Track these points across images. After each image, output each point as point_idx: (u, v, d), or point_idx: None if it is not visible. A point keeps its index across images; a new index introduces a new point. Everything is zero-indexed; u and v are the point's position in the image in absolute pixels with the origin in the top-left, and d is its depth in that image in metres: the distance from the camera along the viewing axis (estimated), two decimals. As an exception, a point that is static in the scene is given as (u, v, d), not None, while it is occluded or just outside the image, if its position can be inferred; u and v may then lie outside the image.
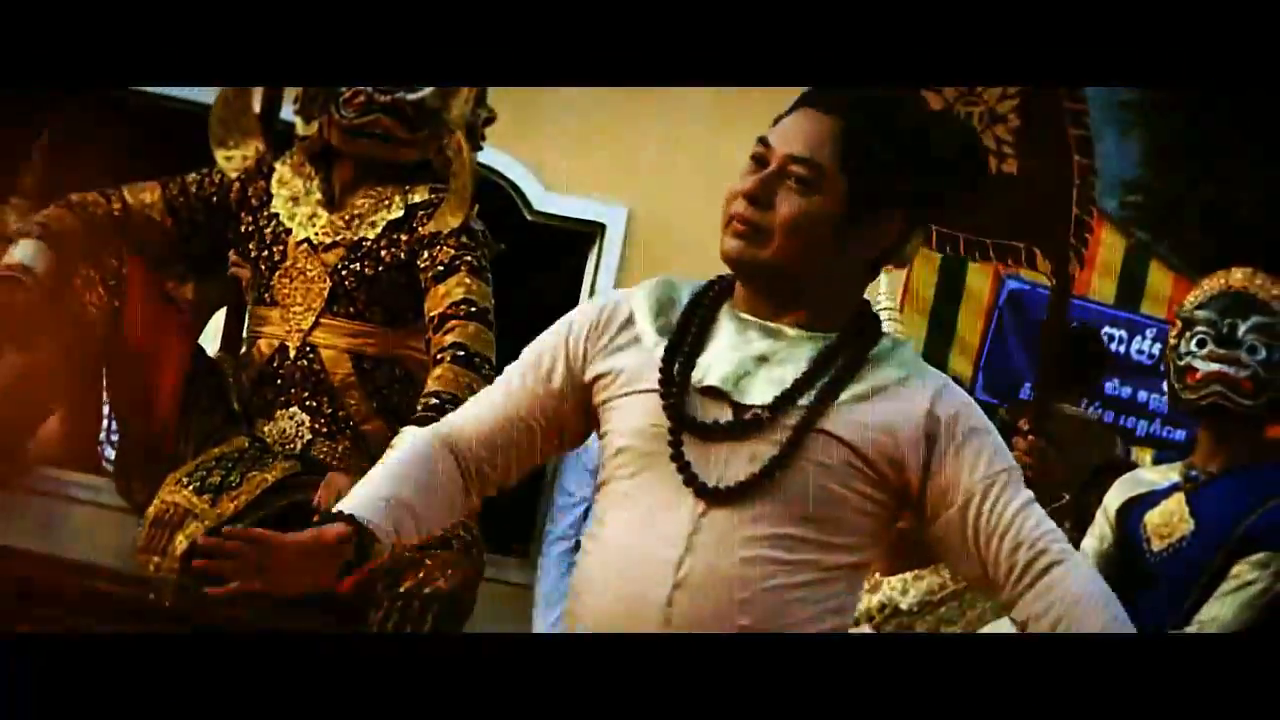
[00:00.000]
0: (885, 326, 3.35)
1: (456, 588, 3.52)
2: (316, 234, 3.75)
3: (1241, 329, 3.65)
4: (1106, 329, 5.78)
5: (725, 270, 2.52)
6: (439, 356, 3.56)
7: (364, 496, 2.47)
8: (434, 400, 3.49)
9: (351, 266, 3.73)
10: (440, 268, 3.66)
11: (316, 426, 3.72)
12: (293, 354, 3.74)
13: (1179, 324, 3.78)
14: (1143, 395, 5.73)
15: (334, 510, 2.43)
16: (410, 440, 2.57)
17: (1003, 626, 3.27)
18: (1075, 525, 3.73)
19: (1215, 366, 3.63)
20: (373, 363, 3.74)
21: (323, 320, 3.74)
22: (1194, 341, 3.68)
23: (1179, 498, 3.70)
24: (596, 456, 2.61)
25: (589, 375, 2.52)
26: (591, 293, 4.89)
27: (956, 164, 2.59)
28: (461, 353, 3.55)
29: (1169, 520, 3.68)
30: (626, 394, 2.48)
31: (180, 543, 3.57)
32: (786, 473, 2.41)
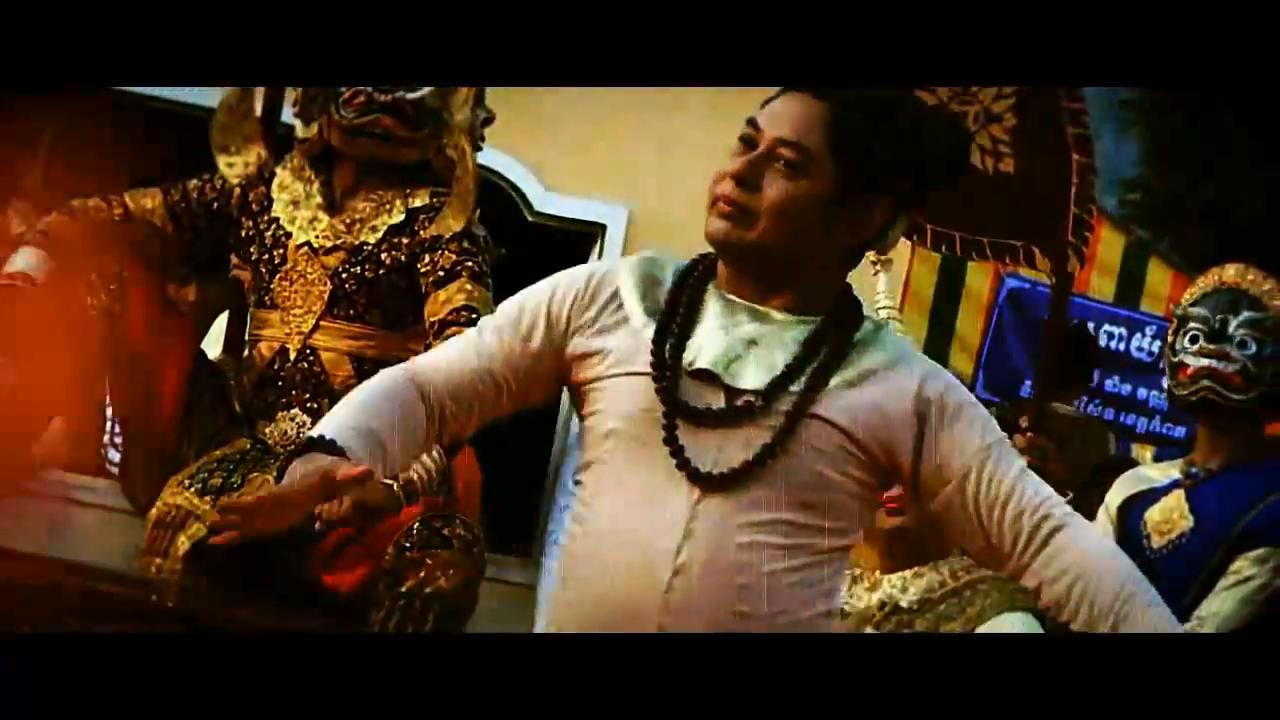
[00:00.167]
0: (890, 329, 3.37)
1: (457, 587, 3.52)
2: (317, 237, 3.76)
3: (1233, 324, 3.67)
4: (1106, 327, 5.80)
5: None
6: None
7: (339, 424, 2.43)
8: None
9: (352, 270, 3.73)
10: (441, 273, 3.67)
11: (317, 427, 3.73)
12: (293, 356, 3.74)
13: (1175, 321, 3.80)
14: (1142, 392, 5.73)
15: (312, 435, 2.39)
16: (382, 377, 2.53)
17: (1003, 625, 3.28)
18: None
19: (1205, 362, 3.65)
20: (373, 365, 3.74)
21: (323, 323, 3.74)
22: (1187, 338, 3.70)
23: (1179, 494, 3.72)
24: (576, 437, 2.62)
25: (571, 347, 2.51)
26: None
27: (944, 153, 2.60)
28: None
29: (1169, 517, 3.69)
30: (616, 375, 2.47)
31: (182, 544, 3.58)
32: (781, 458, 2.42)
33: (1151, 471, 3.90)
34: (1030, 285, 5.75)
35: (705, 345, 2.46)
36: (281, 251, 3.77)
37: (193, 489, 3.63)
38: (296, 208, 3.79)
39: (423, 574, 3.50)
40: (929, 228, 4.08)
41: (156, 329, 3.78)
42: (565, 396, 2.64)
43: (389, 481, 3.43)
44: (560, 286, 2.54)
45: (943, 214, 4.02)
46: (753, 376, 2.45)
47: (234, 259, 3.96)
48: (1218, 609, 3.52)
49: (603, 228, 4.96)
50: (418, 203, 3.76)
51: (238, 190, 3.83)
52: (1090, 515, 3.82)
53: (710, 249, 2.52)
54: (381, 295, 3.72)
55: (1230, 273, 3.76)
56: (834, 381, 2.45)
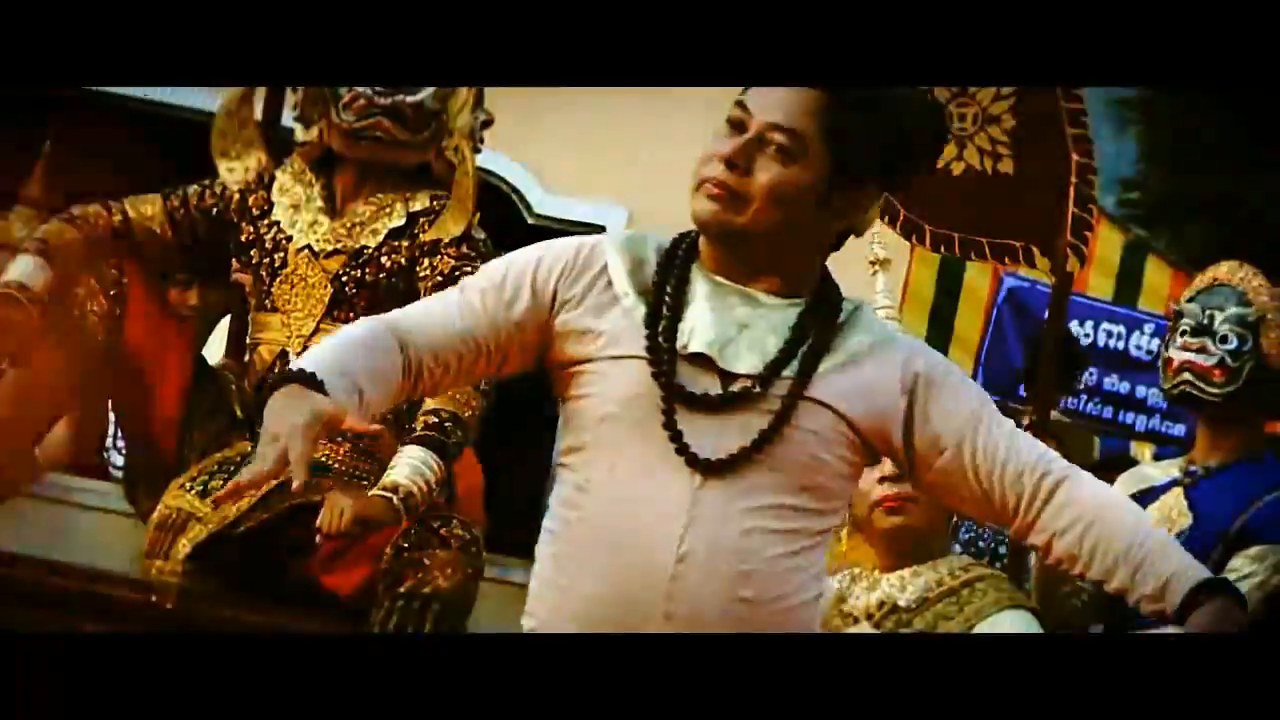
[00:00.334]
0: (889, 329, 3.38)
1: (455, 588, 3.52)
2: (317, 241, 3.76)
3: (1218, 319, 3.70)
4: (1105, 325, 5.80)
5: None
6: None
7: (318, 360, 2.40)
8: (433, 419, 3.51)
9: (352, 273, 3.73)
10: (440, 277, 3.66)
11: (318, 430, 3.73)
12: (294, 359, 3.75)
13: (1172, 317, 3.83)
14: (1141, 391, 5.73)
15: (291, 368, 2.37)
16: (361, 324, 2.51)
17: (1000, 622, 3.30)
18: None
19: (1186, 355, 3.69)
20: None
21: (323, 326, 3.74)
22: (1179, 333, 3.73)
23: (1177, 493, 3.73)
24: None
25: (559, 322, 2.49)
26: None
27: (928, 137, 2.61)
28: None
29: (1168, 515, 3.70)
30: (609, 358, 2.46)
31: (183, 546, 3.59)
32: (778, 442, 2.43)
33: (1152, 470, 3.91)
34: (1030, 284, 5.76)
35: (697, 328, 2.46)
36: (282, 255, 3.77)
37: (193, 492, 3.64)
38: (297, 211, 3.80)
39: (421, 574, 3.50)
40: (928, 229, 4.09)
41: (157, 334, 3.78)
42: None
43: (388, 494, 3.44)
44: (547, 257, 2.52)
45: (942, 215, 4.03)
46: (746, 360, 2.45)
47: (235, 263, 3.97)
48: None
49: (603, 229, 4.97)
50: (417, 206, 3.76)
51: (237, 195, 3.83)
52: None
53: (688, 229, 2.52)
54: (382, 298, 3.72)
55: (1224, 270, 3.79)
56: (824, 365, 2.47)
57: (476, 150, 3.89)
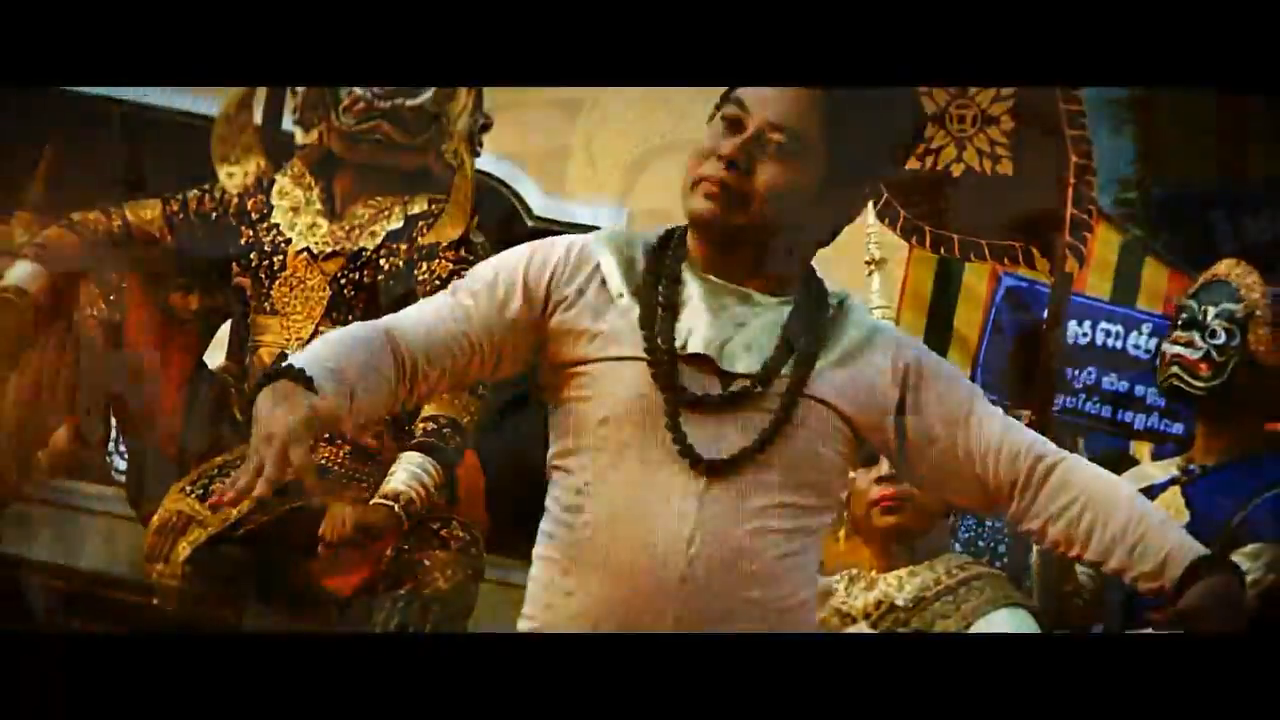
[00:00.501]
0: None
1: (455, 589, 3.54)
2: (316, 243, 3.77)
3: (1211, 314, 3.73)
4: (1103, 324, 5.79)
5: None
6: None
7: (311, 358, 2.36)
8: (431, 425, 3.52)
9: (351, 275, 3.75)
10: (438, 281, 3.67)
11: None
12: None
13: (1175, 313, 3.88)
14: (1139, 389, 5.72)
15: (284, 364, 2.33)
16: (357, 327, 2.49)
17: (996, 622, 3.31)
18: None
19: (1176, 349, 3.73)
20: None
21: (322, 328, 3.75)
22: (1174, 327, 3.78)
23: (1175, 491, 3.75)
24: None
25: (554, 321, 2.47)
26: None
27: (914, 133, 2.63)
28: None
29: (1166, 513, 3.71)
30: (607, 359, 2.45)
31: (183, 549, 3.60)
32: (780, 440, 2.43)
33: (1153, 469, 3.93)
34: (1028, 284, 5.75)
35: (695, 328, 2.46)
36: (281, 258, 3.79)
37: (194, 495, 3.65)
38: (296, 214, 3.81)
39: (421, 576, 3.51)
40: (928, 230, 4.10)
41: (157, 338, 3.80)
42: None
43: (389, 502, 3.45)
44: (538, 256, 2.50)
45: (942, 216, 4.04)
46: (744, 360, 2.45)
47: (234, 267, 3.98)
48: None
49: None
50: (416, 209, 3.78)
51: (236, 199, 3.84)
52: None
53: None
54: (380, 301, 3.74)
55: (1223, 267, 3.84)
56: (820, 361, 2.47)
57: (475, 153, 3.90)
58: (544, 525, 2.53)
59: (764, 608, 2.42)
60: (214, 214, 3.83)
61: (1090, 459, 2.66)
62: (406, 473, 3.49)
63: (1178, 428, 4.90)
